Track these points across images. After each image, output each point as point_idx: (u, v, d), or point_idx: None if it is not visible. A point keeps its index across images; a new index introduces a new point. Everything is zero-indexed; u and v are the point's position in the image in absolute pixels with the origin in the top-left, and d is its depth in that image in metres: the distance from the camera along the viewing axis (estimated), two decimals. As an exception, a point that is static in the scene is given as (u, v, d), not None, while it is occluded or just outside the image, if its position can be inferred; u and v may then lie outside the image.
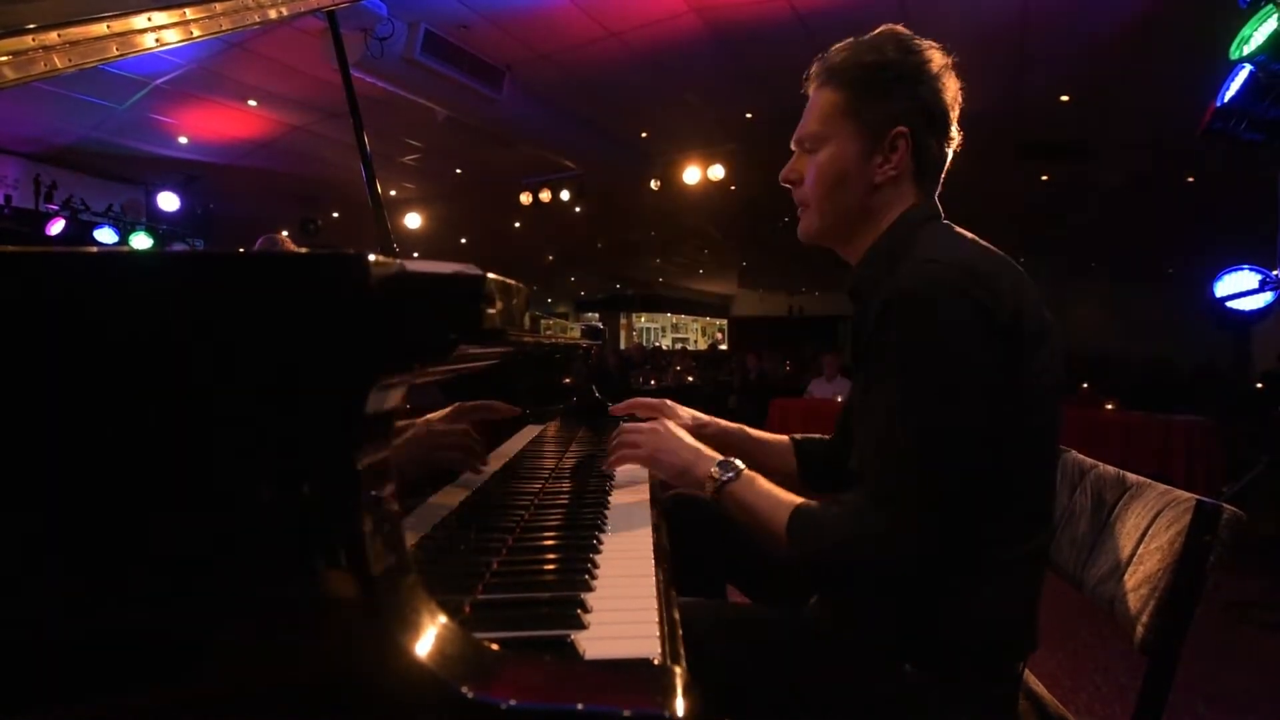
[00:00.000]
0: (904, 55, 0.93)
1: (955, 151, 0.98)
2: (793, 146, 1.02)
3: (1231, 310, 3.87)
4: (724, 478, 0.97)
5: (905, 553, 0.82)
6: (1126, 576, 0.96)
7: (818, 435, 1.32)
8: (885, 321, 0.84)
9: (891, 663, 0.88)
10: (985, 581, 0.86)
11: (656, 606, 0.65)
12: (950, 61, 0.95)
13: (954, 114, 0.95)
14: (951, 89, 0.95)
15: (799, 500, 0.92)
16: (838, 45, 0.98)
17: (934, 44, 0.95)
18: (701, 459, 1.02)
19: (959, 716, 0.87)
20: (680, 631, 0.61)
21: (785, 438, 1.32)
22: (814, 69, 0.99)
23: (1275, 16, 2.81)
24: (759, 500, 0.95)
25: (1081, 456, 1.19)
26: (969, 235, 0.91)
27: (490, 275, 0.50)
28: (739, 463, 0.99)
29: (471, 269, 0.48)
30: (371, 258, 0.43)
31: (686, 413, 1.30)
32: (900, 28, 0.97)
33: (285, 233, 3.16)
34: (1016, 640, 0.90)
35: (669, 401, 1.31)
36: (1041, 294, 0.87)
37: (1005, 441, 0.83)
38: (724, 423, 1.32)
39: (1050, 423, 0.88)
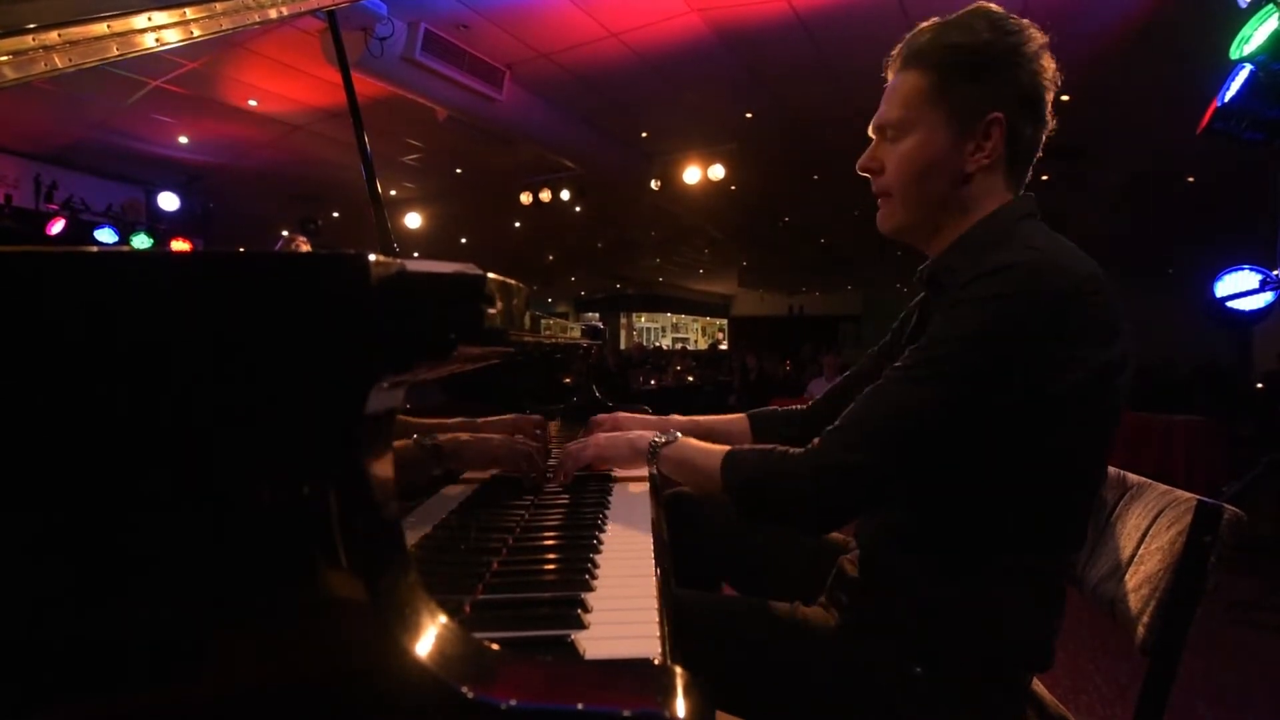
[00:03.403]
0: (998, 35, 0.87)
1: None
2: (871, 134, 0.96)
3: (1232, 310, 3.86)
4: (661, 440, 1.04)
5: (827, 484, 0.82)
6: (1127, 577, 0.96)
7: (775, 407, 1.37)
8: (957, 296, 0.81)
9: (901, 664, 0.87)
10: (1005, 591, 0.85)
11: (656, 606, 0.65)
12: (1047, 41, 0.89)
13: (1049, 97, 0.90)
14: (1049, 71, 0.89)
15: (733, 447, 0.95)
16: (923, 25, 0.91)
17: (1030, 22, 0.89)
18: (643, 435, 1.08)
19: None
20: (675, 627, 0.61)
21: (742, 415, 1.37)
22: (896, 50, 0.93)
23: (1275, 16, 2.81)
24: (695, 454, 1.00)
25: (1082, 456, 1.19)
26: (1062, 239, 0.86)
27: (490, 275, 0.50)
28: (678, 432, 1.06)
29: (471, 269, 0.48)
30: (372, 258, 0.43)
31: (647, 418, 1.40)
32: (992, 5, 0.90)
33: (287, 233, 3.16)
34: (1030, 657, 0.88)
35: (619, 414, 1.39)
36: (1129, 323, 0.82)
37: (1035, 454, 0.81)
38: (680, 418, 1.38)
39: (1098, 445, 0.85)
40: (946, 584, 0.87)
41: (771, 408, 1.39)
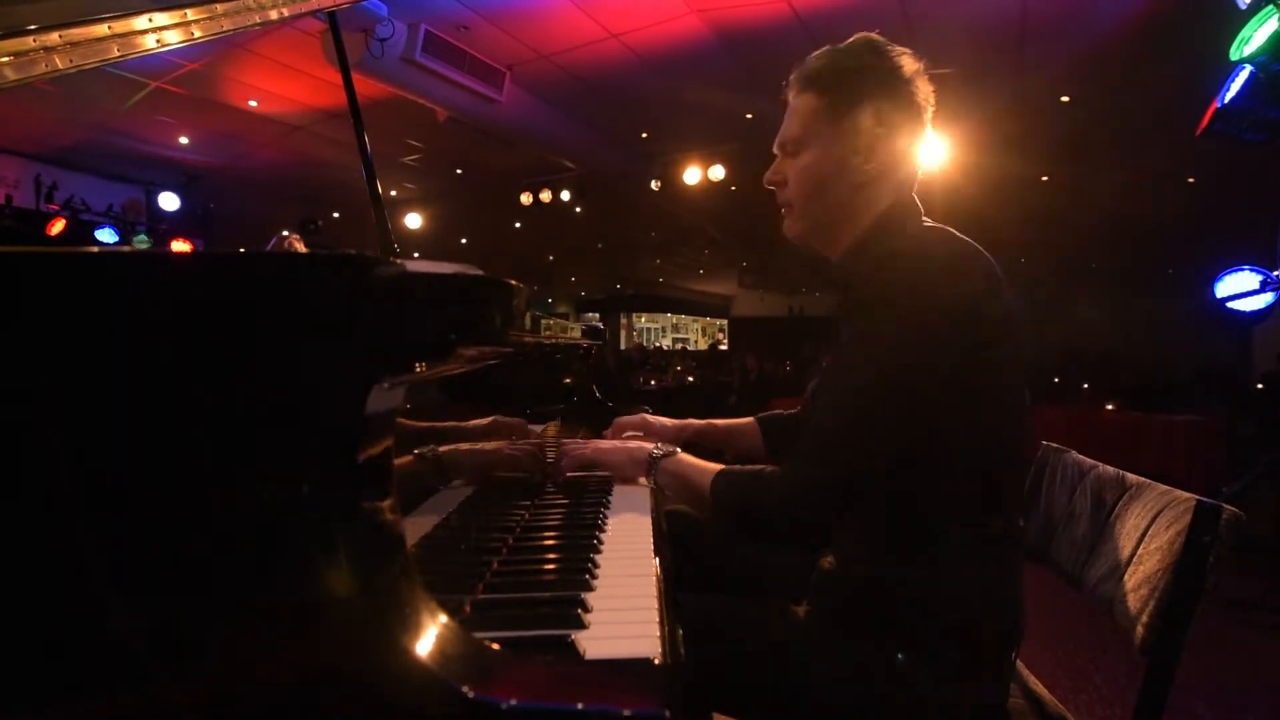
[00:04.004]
0: (881, 60, 0.98)
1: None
2: (775, 150, 1.06)
3: (1232, 311, 3.87)
4: (658, 454, 1.08)
5: (800, 503, 0.90)
6: (1126, 577, 0.96)
7: (779, 411, 1.42)
8: (863, 305, 0.92)
9: (883, 653, 0.90)
10: (961, 563, 0.90)
11: (657, 606, 0.65)
12: (921, 67, 0.99)
13: (926, 116, 1.00)
14: (924, 92, 0.99)
15: (724, 466, 1.01)
16: (815, 53, 1.02)
17: (906, 50, 1.00)
18: (641, 447, 1.11)
19: (951, 706, 0.88)
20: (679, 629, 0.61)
21: (751, 419, 1.42)
22: (793, 76, 1.03)
23: (1275, 17, 2.81)
24: (689, 470, 1.04)
25: (1081, 457, 1.19)
26: (949, 230, 0.96)
27: (490, 275, 0.50)
28: (675, 447, 1.09)
29: (471, 269, 0.49)
30: (372, 258, 0.43)
31: (669, 421, 1.42)
32: (875, 35, 1.01)
33: (295, 234, 3.15)
34: (1002, 627, 0.91)
35: (647, 416, 1.43)
36: (1017, 293, 0.92)
37: (960, 431, 0.89)
38: (698, 422, 1.42)
39: (1013, 411, 0.92)
40: (910, 567, 0.92)
41: (775, 412, 1.43)
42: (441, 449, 1.02)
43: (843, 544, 1.02)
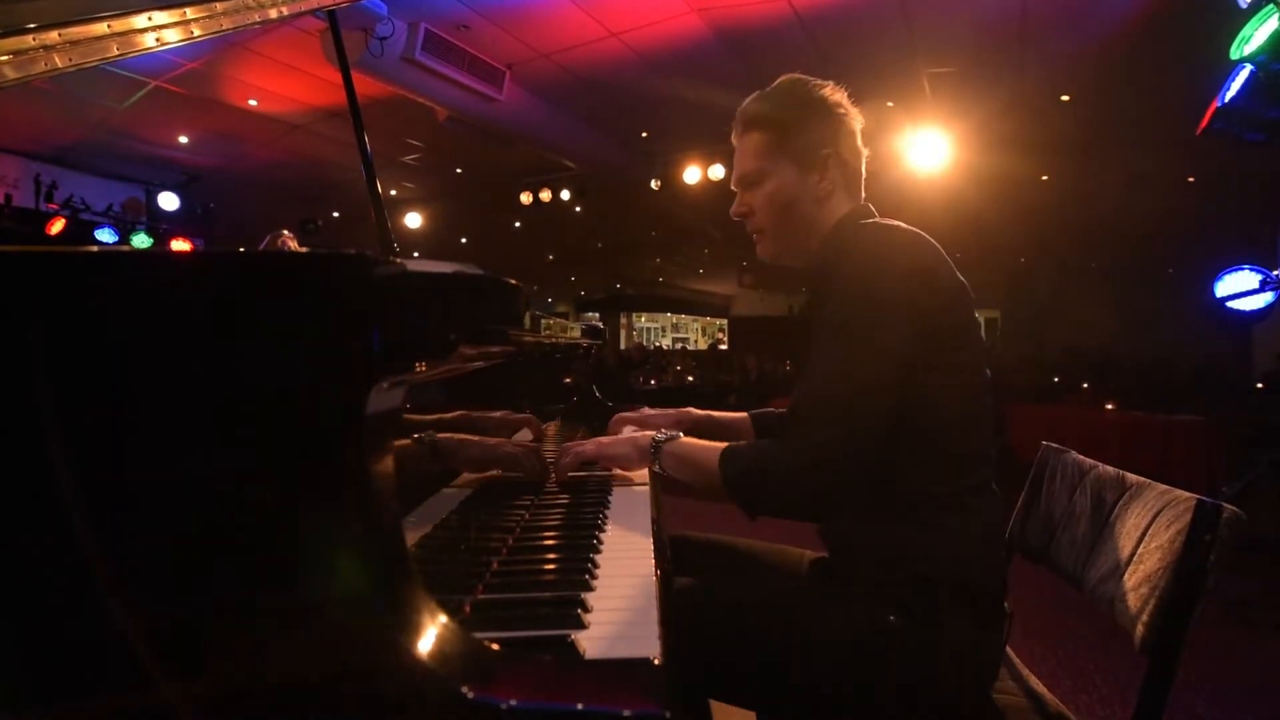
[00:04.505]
0: (813, 91, 1.11)
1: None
2: (734, 188, 1.17)
3: (1232, 310, 3.87)
4: (662, 438, 1.11)
5: (813, 466, 0.93)
6: (1126, 576, 0.96)
7: (772, 409, 1.45)
8: (834, 295, 0.99)
9: (876, 616, 0.94)
10: (944, 518, 0.96)
11: (657, 606, 0.65)
12: (845, 93, 1.13)
13: (857, 128, 1.13)
14: (854, 112, 1.13)
15: (729, 444, 1.04)
16: (749, 99, 1.15)
17: (828, 82, 1.13)
18: (645, 435, 1.13)
19: (945, 664, 0.92)
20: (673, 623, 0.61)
21: (745, 414, 1.44)
22: (736, 118, 1.15)
23: (1275, 16, 2.80)
24: (695, 451, 1.07)
25: (1081, 457, 1.19)
26: (901, 224, 1.05)
27: (490, 275, 0.50)
28: (678, 432, 1.13)
29: (471, 269, 0.49)
30: (372, 257, 0.43)
31: (669, 411, 1.44)
32: (799, 75, 1.14)
33: (287, 232, 3.16)
34: (981, 581, 0.96)
35: (645, 410, 1.44)
36: (956, 272, 1.02)
37: (929, 390, 0.96)
38: (696, 411, 1.45)
39: (974, 373, 1.01)
40: (894, 526, 0.98)
41: (769, 409, 1.45)
42: (439, 435, 1.02)
43: (834, 520, 1.08)
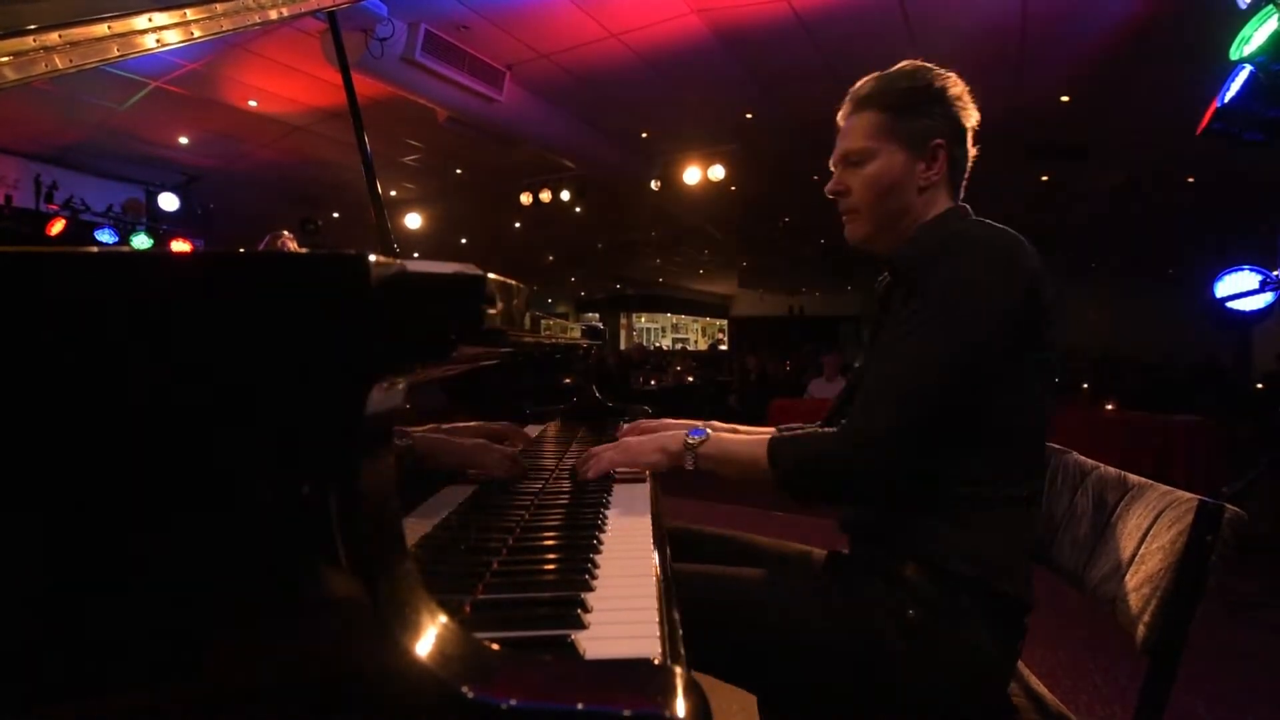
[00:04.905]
0: (933, 79, 1.08)
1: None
2: (833, 166, 1.14)
3: (1232, 311, 3.87)
4: (696, 440, 1.09)
5: (873, 451, 0.93)
6: (1128, 577, 0.96)
7: (799, 425, 1.38)
8: (926, 285, 0.97)
9: (896, 609, 0.93)
10: (987, 521, 0.94)
11: (657, 606, 0.65)
12: (966, 87, 1.10)
13: (972, 131, 1.11)
14: (971, 109, 1.10)
15: (773, 432, 1.04)
16: (865, 79, 1.12)
17: (951, 74, 1.10)
18: (675, 436, 1.11)
19: (960, 664, 0.91)
20: (679, 627, 0.61)
21: (770, 430, 1.38)
22: (848, 98, 1.13)
23: (1275, 17, 2.80)
24: (736, 446, 1.06)
25: (1082, 458, 1.19)
26: (1008, 229, 1.02)
27: (490, 275, 0.50)
28: (707, 429, 1.11)
29: (471, 269, 0.48)
30: (372, 258, 0.43)
31: (681, 422, 1.39)
32: (921, 61, 1.11)
33: (287, 233, 3.16)
34: (1007, 584, 0.94)
35: (667, 421, 1.38)
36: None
37: (1007, 395, 0.95)
38: (716, 424, 1.38)
39: (1048, 386, 1.00)
40: (932, 520, 0.96)
41: (798, 425, 1.40)
42: (415, 432, 1.02)
43: (860, 511, 1.08)
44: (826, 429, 1.00)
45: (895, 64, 1.13)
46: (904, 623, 0.93)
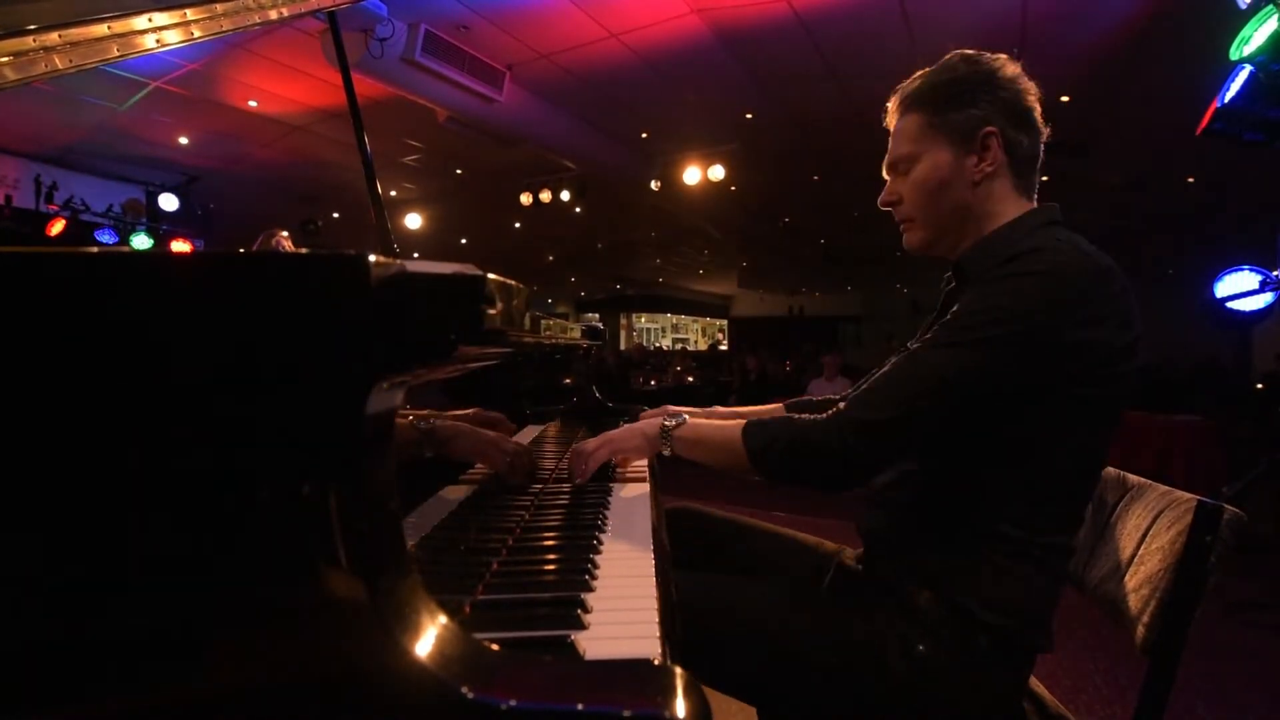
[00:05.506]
0: (974, 66, 1.00)
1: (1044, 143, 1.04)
2: (885, 175, 1.09)
3: (1232, 310, 3.87)
4: (672, 424, 1.08)
5: (846, 442, 0.89)
6: (1127, 577, 0.96)
7: (810, 398, 1.41)
8: (986, 278, 0.91)
9: (905, 640, 0.90)
10: (1009, 563, 0.89)
11: (657, 607, 0.65)
12: (1021, 65, 1.01)
13: (1037, 110, 1.01)
14: (1029, 86, 1.00)
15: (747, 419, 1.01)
16: (913, 76, 1.05)
17: (1001, 55, 1.01)
18: (653, 422, 1.11)
19: (967, 700, 0.88)
20: (678, 623, 0.61)
21: (779, 404, 1.41)
22: (891, 104, 1.08)
23: (1275, 17, 2.80)
24: (711, 430, 1.05)
25: (1082, 457, 1.19)
26: (1081, 246, 0.93)
27: (490, 275, 0.50)
28: (685, 414, 1.10)
29: (471, 269, 0.48)
30: (371, 258, 0.43)
31: (695, 410, 1.38)
32: (967, 50, 1.04)
33: (284, 232, 3.16)
34: (1030, 634, 0.91)
35: (669, 408, 1.38)
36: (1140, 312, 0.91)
37: (1058, 433, 0.87)
38: (721, 409, 1.41)
39: (1104, 429, 0.91)
40: (953, 557, 0.91)
41: (806, 398, 1.42)
42: (437, 421, 1.02)
43: (879, 532, 1.04)
44: (805, 417, 0.96)
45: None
46: (912, 655, 0.89)
